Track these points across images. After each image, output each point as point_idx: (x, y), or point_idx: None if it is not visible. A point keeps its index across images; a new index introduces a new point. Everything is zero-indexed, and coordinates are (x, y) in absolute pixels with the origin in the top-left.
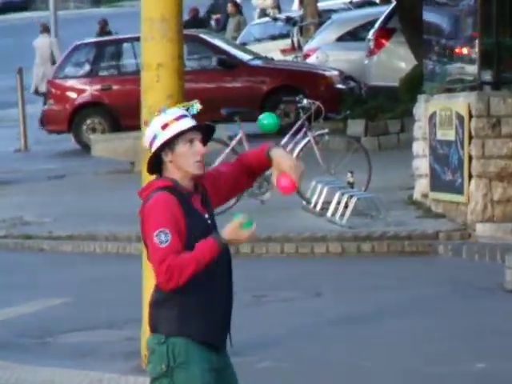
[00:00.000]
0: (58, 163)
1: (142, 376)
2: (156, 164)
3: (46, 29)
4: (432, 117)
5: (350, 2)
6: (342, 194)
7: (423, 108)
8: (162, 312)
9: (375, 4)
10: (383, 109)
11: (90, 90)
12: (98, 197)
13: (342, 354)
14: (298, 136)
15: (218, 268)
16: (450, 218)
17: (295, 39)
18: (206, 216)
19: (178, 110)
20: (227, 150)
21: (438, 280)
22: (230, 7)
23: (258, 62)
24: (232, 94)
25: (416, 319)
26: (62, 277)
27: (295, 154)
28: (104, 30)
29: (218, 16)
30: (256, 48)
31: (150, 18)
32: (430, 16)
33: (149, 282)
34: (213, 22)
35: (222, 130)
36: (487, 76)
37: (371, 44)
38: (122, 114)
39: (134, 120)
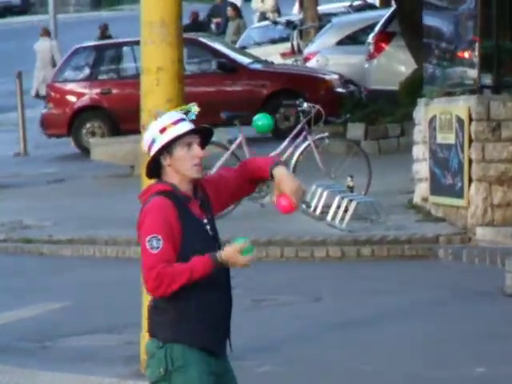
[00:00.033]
0: (57, 167)
1: (141, 380)
2: (155, 168)
3: (46, 32)
4: (432, 120)
5: (350, 6)
6: (342, 198)
7: (423, 112)
8: (158, 317)
9: (375, 8)
10: (383, 112)
11: (90, 93)
12: (97, 201)
13: (341, 358)
14: (298, 140)
15: (216, 274)
16: (450, 222)
17: (295, 43)
18: (205, 221)
19: (175, 114)
20: (227, 154)
21: (438, 284)
22: (229, 11)
23: (257, 66)
24: (232, 97)
25: (416, 323)
26: (61, 281)
27: (295, 157)
28: (105, 34)
29: (219, 20)
30: (256, 52)
31: (149, 21)
32: (429, 20)
33: None
34: (213, 26)
35: (221, 134)
36: (487, 80)
37: (371, 48)
38: (121, 118)
39: (133, 124)
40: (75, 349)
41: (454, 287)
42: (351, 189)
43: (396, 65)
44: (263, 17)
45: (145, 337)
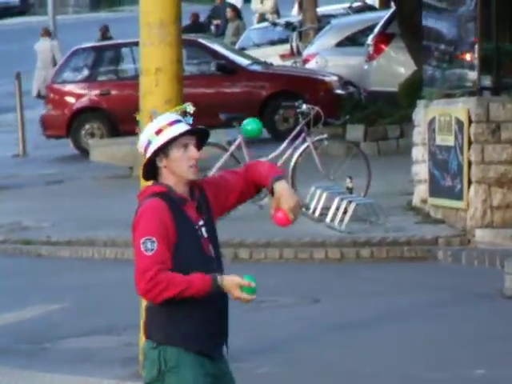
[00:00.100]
0: (56, 168)
1: (140, 382)
2: (151, 170)
3: (47, 32)
4: (431, 122)
5: (349, 7)
6: (341, 200)
7: (422, 113)
8: (152, 319)
9: (374, 9)
10: (382, 114)
11: (89, 94)
12: (96, 202)
13: (341, 360)
14: (297, 141)
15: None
16: (450, 224)
17: (294, 44)
18: (201, 223)
19: (171, 115)
20: (226, 155)
21: (438, 286)
22: (229, 12)
23: (257, 67)
24: (231, 99)
25: (415, 325)
26: (60, 282)
27: (294, 159)
28: (105, 36)
29: (218, 21)
30: (255, 53)
31: (148, 22)
32: (429, 21)
33: None
34: (213, 28)
35: (220, 135)
36: (487, 81)
37: (370, 49)
38: (120, 119)
39: (132, 125)
40: (74, 350)
41: (454, 289)
42: (350, 190)
43: (395, 66)
44: (262, 18)
45: (143, 338)
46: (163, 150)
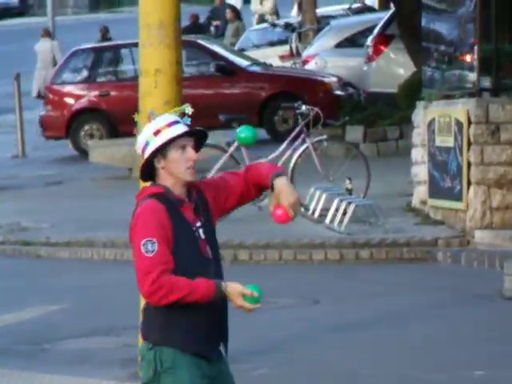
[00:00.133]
0: (55, 169)
1: (139, 383)
2: (148, 171)
3: (47, 33)
4: (431, 123)
5: (349, 8)
6: (341, 201)
7: (422, 114)
8: (150, 319)
9: (374, 10)
10: (382, 115)
11: (88, 95)
12: (95, 203)
13: (340, 361)
14: (297, 142)
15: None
16: (449, 225)
17: (294, 45)
18: (198, 224)
19: (170, 116)
20: (225, 157)
21: (437, 287)
22: (228, 13)
23: (256, 68)
24: (230, 100)
25: (415, 326)
26: (59, 283)
27: (293, 160)
28: (105, 37)
29: (218, 23)
30: (254, 54)
31: (148, 23)
32: (428, 22)
33: None
34: (212, 29)
35: (220, 136)
36: (486, 82)
37: (370, 50)
38: (119, 120)
39: (131, 126)
40: (73, 351)
41: (453, 290)
42: (350, 191)
43: (395, 67)
44: (262, 19)
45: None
46: (161, 151)
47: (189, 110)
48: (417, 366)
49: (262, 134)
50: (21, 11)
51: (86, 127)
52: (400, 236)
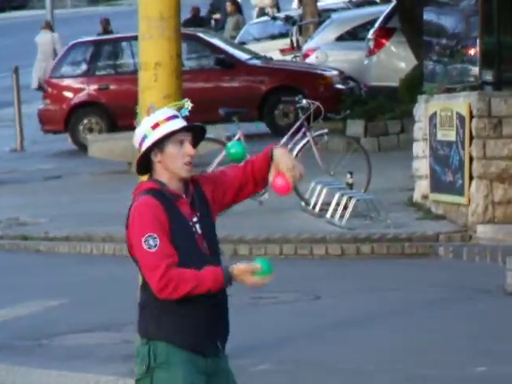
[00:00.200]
0: (54, 163)
1: None
2: (145, 164)
3: (48, 25)
4: (432, 117)
5: (350, 2)
6: (342, 195)
7: (423, 108)
8: (144, 315)
9: (375, 3)
10: (383, 109)
11: (87, 89)
12: (94, 197)
13: (341, 357)
14: (297, 136)
15: None
16: (451, 220)
17: (294, 39)
18: (194, 219)
19: (169, 111)
20: (225, 151)
21: (439, 282)
22: (228, 6)
23: (256, 62)
24: (230, 93)
25: (416, 322)
26: (58, 278)
27: (294, 154)
28: (106, 29)
29: (218, 16)
30: (255, 47)
31: (147, 16)
32: (430, 15)
33: None
34: (212, 22)
35: (220, 131)
36: (488, 76)
37: (371, 44)
38: (119, 114)
39: (131, 120)
40: (72, 347)
41: (455, 285)
42: (351, 186)
43: (396, 61)
44: (262, 12)
45: None
46: (158, 144)
47: (188, 104)
48: (420, 361)
49: (263, 128)
50: (20, 4)
51: (85, 121)
52: (401, 231)
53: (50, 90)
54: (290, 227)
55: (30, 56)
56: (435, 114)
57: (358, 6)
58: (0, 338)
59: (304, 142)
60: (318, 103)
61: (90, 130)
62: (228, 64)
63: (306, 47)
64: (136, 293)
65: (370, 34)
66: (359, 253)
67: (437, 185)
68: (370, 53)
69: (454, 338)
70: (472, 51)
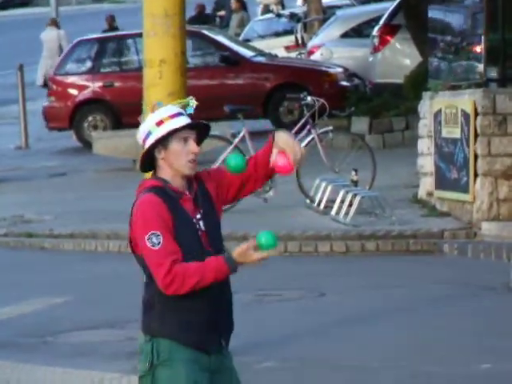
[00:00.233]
0: (59, 161)
1: None
2: (148, 161)
3: (53, 22)
4: (437, 114)
5: None
6: (346, 192)
7: (428, 105)
8: (147, 312)
9: (380, 0)
10: (388, 106)
11: (92, 86)
12: (99, 195)
13: (346, 354)
14: (302, 133)
15: None
16: (456, 217)
17: (299, 36)
18: (198, 216)
19: (173, 108)
20: (230, 148)
21: (443, 279)
22: (233, 3)
23: (261, 59)
24: (235, 91)
25: (421, 319)
26: (62, 275)
27: None
28: (112, 26)
29: (222, 13)
30: (259, 45)
31: (152, 13)
32: (435, 12)
33: None
34: (217, 19)
35: (224, 128)
36: (493, 73)
37: (376, 41)
38: (124, 111)
39: (136, 117)
40: (77, 344)
41: (460, 282)
42: (355, 183)
43: (401, 58)
44: (267, 9)
45: None
46: (163, 141)
47: (193, 102)
48: (425, 358)
49: (268, 125)
50: (24, 1)
51: (90, 118)
52: (406, 228)
53: (54, 87)
54: (294, 224)
55: (34, 53)
56: (440, 111)
57: (363, 2)
58: (5, 335)
59: (309, 139)
60: (322, 100)
61: (95, 128)
62: (233, 61)
63: (310, 44)
64: (140, 290)
65: (375, 31)
66: (364, 250)
67: (441, 182)
68: (375, 50)
69: (458, 335)
70: (477, 48)
